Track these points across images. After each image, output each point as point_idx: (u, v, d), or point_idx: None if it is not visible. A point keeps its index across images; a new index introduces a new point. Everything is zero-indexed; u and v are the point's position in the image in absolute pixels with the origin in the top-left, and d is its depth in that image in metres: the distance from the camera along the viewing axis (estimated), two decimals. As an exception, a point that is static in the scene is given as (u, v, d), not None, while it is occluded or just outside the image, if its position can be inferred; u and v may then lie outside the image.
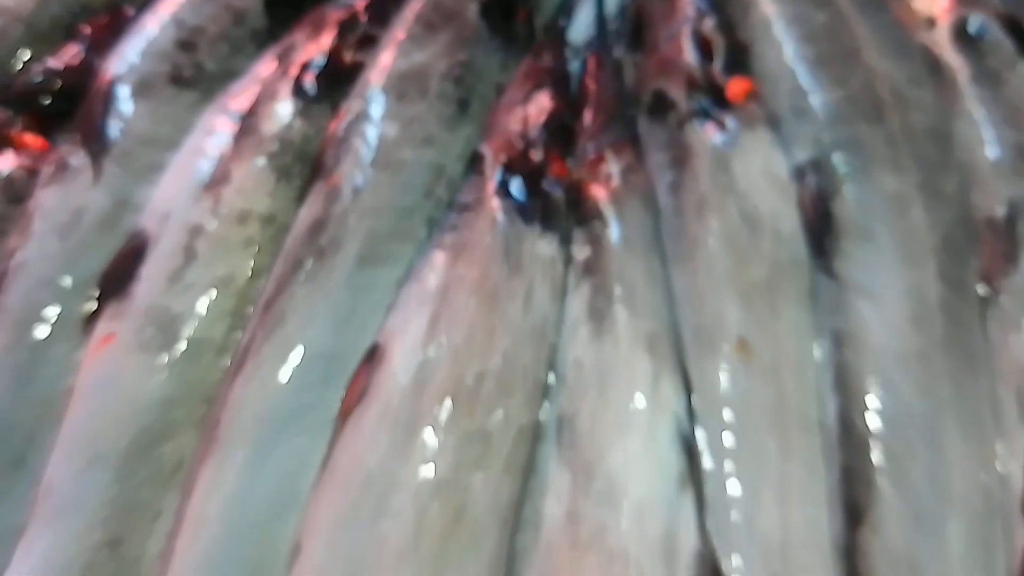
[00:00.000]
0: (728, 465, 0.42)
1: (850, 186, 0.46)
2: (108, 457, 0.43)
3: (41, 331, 0.45)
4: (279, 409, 0.43)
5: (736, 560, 0.41)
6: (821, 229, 0.45)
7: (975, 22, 0.51)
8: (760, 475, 0.42)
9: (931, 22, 0.52)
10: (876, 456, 0.42)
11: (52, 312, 0.45)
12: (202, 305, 0.45)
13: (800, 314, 0.44)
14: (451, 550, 0.41)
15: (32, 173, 0.48)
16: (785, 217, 0.46)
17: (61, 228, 0.47)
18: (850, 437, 0.42)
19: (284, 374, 0.43)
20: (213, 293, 0.45)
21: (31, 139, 0.49)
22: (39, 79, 0.53)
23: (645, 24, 0.53)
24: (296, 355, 0.44)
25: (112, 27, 0.54)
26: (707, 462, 0.42)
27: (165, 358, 0.44)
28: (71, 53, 0.53)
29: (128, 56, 0.51)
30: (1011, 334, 0.45)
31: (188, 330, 0.45)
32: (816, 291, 0.45)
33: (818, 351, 0.44)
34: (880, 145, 0.47)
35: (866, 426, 0.42)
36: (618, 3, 0.57)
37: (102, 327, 0.45)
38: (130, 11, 0.55)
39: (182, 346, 0.44)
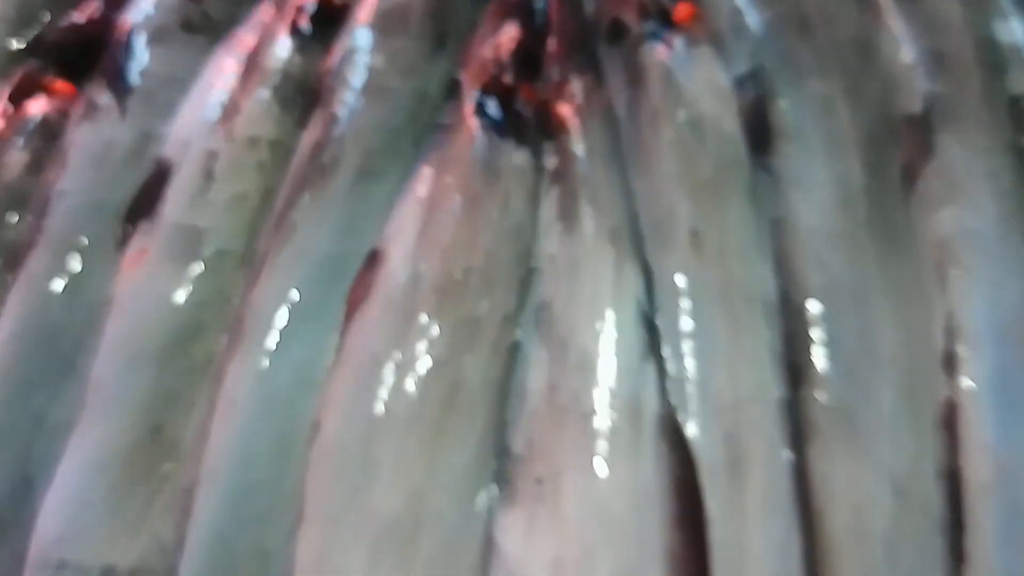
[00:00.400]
0: (684, 337, 0.44)
1: (783, 93, 0.49)
2: (147, 355, 0.45)
3: (82, 249, 0.48)
4: (295, 305, 0.45)
5: (693, 418, 0.43)
6: (758, 132, 0.48)
7: None
8: (712, 344, 0.45)
9: None
10: (812, 324, 0.45)
11: (91, 231, 0.48)
12: (222, 220, 0.48)
13: (742, 206, 0.47)
14: (450, 420, 0.44)
15: (64, 115, 0.50)
16: (727, 123, 0.48)
17: (94, 160, 0.49)
18: (789, 309, 0.45)
19: (297, 275, 0.46)
20: (231, 209, 0.48)
21: (61, 85, 0.51)
22: (64, 32, 0.54)
23: None
24: (306, 259, 0.46)
25: None
26: (665, 335, 0.45)
27: (192, 267, 0.47)
28: (91, 8, 0.54)
29: (143, 8, 0.54)
30: (930, 214, 0.47)
31: (211, 242, 0.47)
32: (756, 186, 0.47)
33: (759, 237, 0.46)
34: (808, 56, 0.50)
35: (802, 299, 0.45)
36: None
37: (135, 243, 0.47)
38: None
39: (206, 256, 0.47)
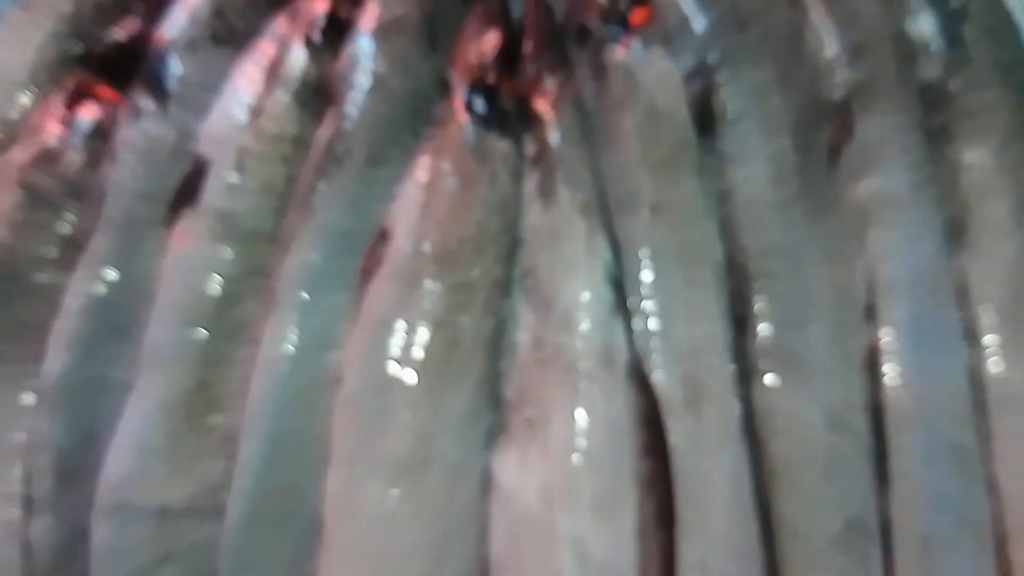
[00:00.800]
0: (647, 295, 0.46)
1: (724, 84, 0.49)
2: (193, 321, 0.46)
3: (135, 232, 0.48)
4: (317, 275, 0.46)
5: (657, 364, 0.44)
6: (704, 117, 0.49)
7: None
8: (671, 301, 0.46)
9: None
10: (753, 281, 0.46)
11: (142, 217, 0.48)
12: (253, 205, 0.49)
13: (693, 181, 0.48)
14: (450, 373, 0.45)
15: (112, 118, 0.50)
16: (678, 111, 0.49)
17: (141, 156, 0.50)
18: (734, 268, 0.46)
19: (318, 250, 0.47)
20: (260, 196, 0.49)
21: (108, 92, 0.51)
22: (109, 46, 0.53)
23: None
24: (325, 236, 0.47)
25: (159, 2, 0.53)
26: (631, 293, 0.46)
27: (229, 246, 0.47)
28: (131, 25, 0.53)
29: (176, 24, 0.53)
30: (852, 184, 0.48)
31: (244, 224, 0.48)
32: (703, 164, 0.48)
33: (708, 207, 0.47)
34: (745, 51, 0.50)
35: (745, 260, 0.46)
36: None
37: (180, 226, 0.48)
38: None
39: (241, 236, 0.48)
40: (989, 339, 0.45)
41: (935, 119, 0.49)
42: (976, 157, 0.48)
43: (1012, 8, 0.52)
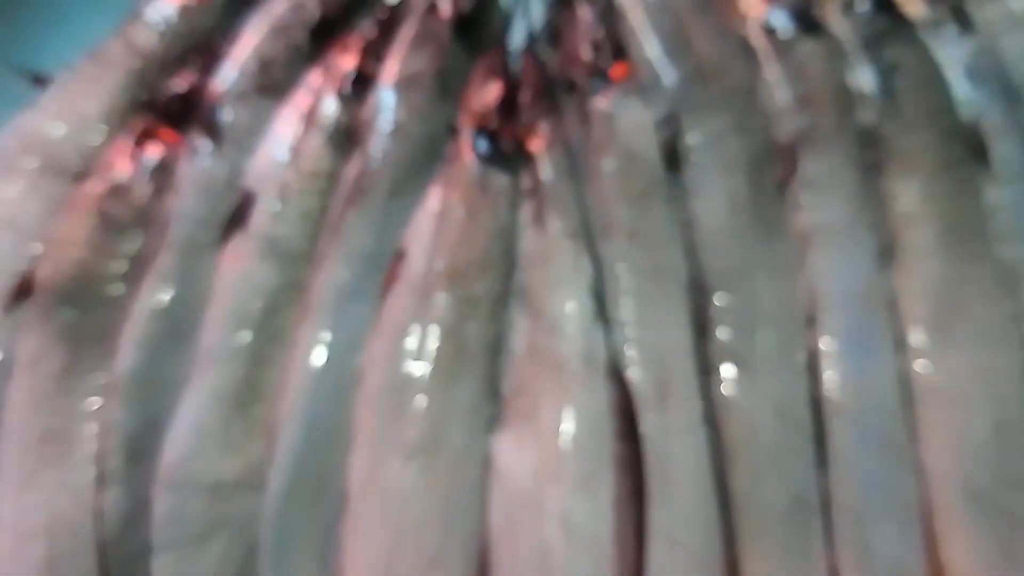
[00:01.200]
0: (623, 306, 0.47)
1: (689, 130, 0.51)
2: (242, 327, 0.48)
3: (193, 252, 0.50)
4: (345, 289, 0.48)
5: (631, 364, 0.46)
6: (672, 158, 0.50)
7: (773, 16, 0.53)
8: (643, 311, 0.47)
9: (747, 13, 0.54)
10: (712, 294, 0.47)
11: (200, 241, 0.50)
12: (293, 231, 0.50)
13: (662, 211, 0.49)
14: (457, 371, 0.47)
15: (174, 156, 0.52)
16: (650, 152, 0.50)
17: (198, 189, 0.51)
18: (697, 284, 0.48)
19: (347, 268, 0.49)
20: (299, 223, 0.50)
21: (170, 134, 0.53)
22: (170, 95, 0.54)
23: (560, 34, 0.56)
24: (353, 256, 0.49)
25: (213, 57, 0.54)
26: (611, 304, 0.47)
27: (273, 264, 0.49)
28: (189, 77, 0.54)
29: (227, 77, 0.54)
30: (797, 214, 0.49)
31: (285, 246, 0.50)
32: (671, 197, 0.50)
33: (675, 234, 0.49)
34: (707, 102, 0.51)
35: (705, 276, 0.48)
36: (542, 21, 0.57)
37: (231, 247, 0.50)
38: (222, 46, 0.55)
39: (282, 256, 0.49)
40: (915, 344, 0.46)
41: (870, 157, 0.50)
42: (905, 190, 0.49)
43: (939, 63, 0.52)
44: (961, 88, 0.51)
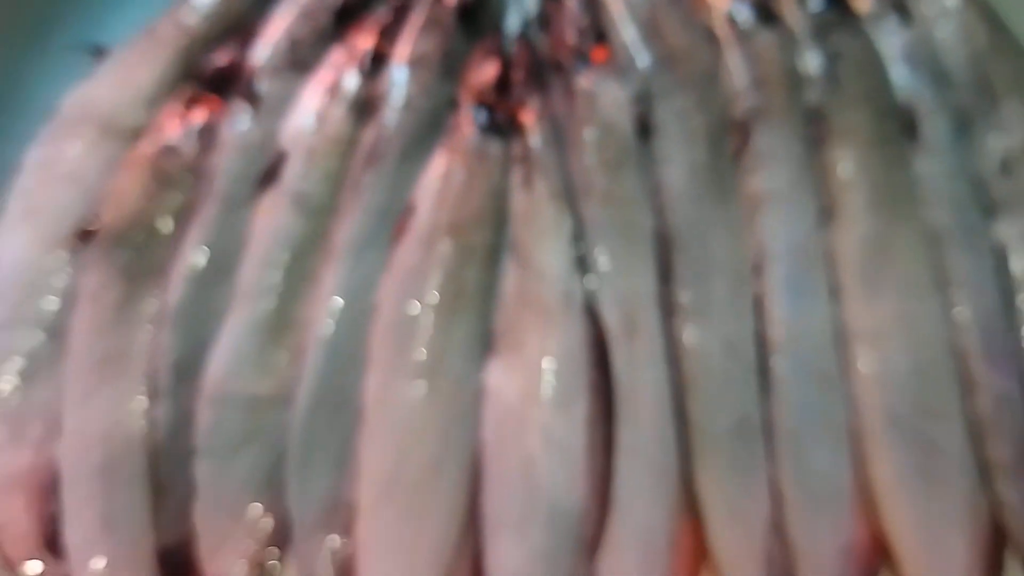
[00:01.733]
0: (599, 255, 0.48)
1: (658, 106, 0.51)
2: (275, 265, 0.49)
3: (233, 203, 0.50)
4: (362, 238, 0.49)
5: (604, 304, 0.47)
6: (643, 130, 0.51)
7: (735, 9, 0.54)
8: (616, 260, 0.48)
9: (713, 6, 0.54)
10: (675, 245, 0.49)
11: (240, 192, 0.51)
12: (318, 187, 0.51)
13: (634, 176, 0.50)
14: (456, 308, 0.48)
15: (217, 119, 0.53)
16: (624, 125, 0.51)
17: (238, 148, 0.52)
18: (661, 239, 0.49)
19: (364, 220, 0.50)
20: (323, 180, 0.51)
21: (214, 102, 0.53)
22: (214, 67, 0.55)
23: (549, 21, 0.56)
24: (370, 210, 0.50)
25: (250, 36, 0.55)
26: (588, 254, 0.48)
27: (301, 215, 0.50)
28: (229, 53, 0.55)
29: (262, 53, 0.54)
30: (747, 178, 0.50)
31: (312, 199, 0.50)
32: (642, 163, 0.50)
33: (644, 194, 0.50)
34: (674, 82, 0.52)
35: (668, 229, 0.49)
36: (534, 9, 0.58)
37: (265, 200, 0.50)
38: (258, 27, 0.55)
39: (310, 208, 0.50)
40: (847, 292, 0.48)
41: (814, 132, 0.51)
42: (843, 160, 0.50)
43: (879, 51, 0.53)
44: (898, 73, 0.52)
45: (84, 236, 0.50)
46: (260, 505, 0.46)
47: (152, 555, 0.46)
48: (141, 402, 0.47)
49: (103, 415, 0.47)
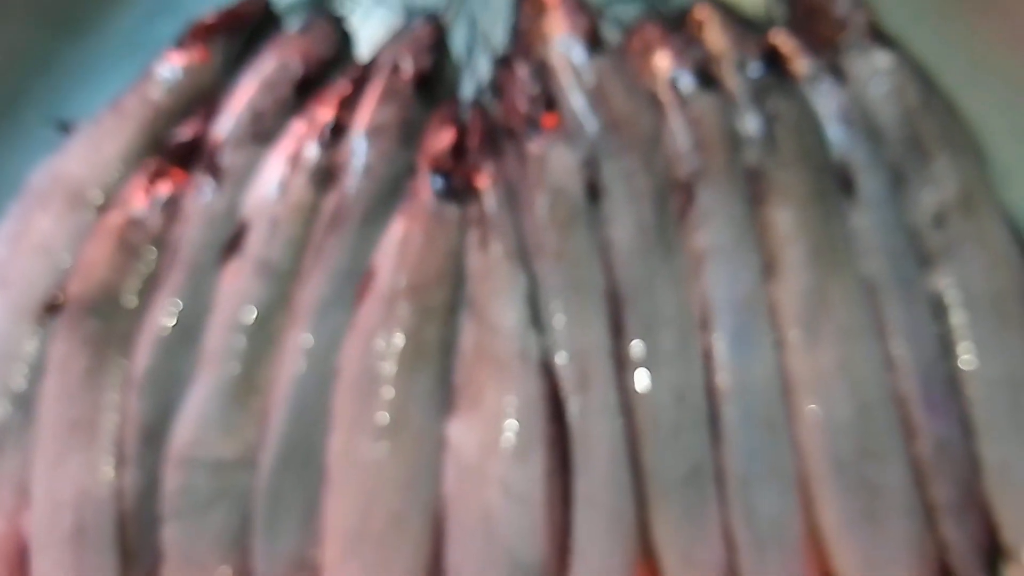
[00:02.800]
0: (552, 313, 0.49)
1: (604, 169, 0.52)
2: (240, 331, 0.49)
3: (199, 271, 0.50)
4: (326, 299, 0.49)
5: (559, 359, 0.48)
6: (592, 192, 0.51)
7: (676, 75, 0.55)
8: (569, 316, 0.49)
9: (656, 73, 0.55)
10: (623, 302, 0.49)
11: (204, 262, 0.50)
12: (282, 253, 0.50)
13: (584, 235, 0.50)
14: (418, 365, 0.48)
15: (182, 191, 0.52)
16: (574, 187, 0.52)
17: (203, 218, 0.52)
18: (612, 294, 0.49)
19: (327, 283, 0.49)
20: (287, 247, 0.51)
21: (178, 174, 0.53)
22: (178, 141, 0.54)
23: (502, 90, 0.57)
24: (332, 273, 0.50)
25: (213, 109, 0.55)
26: (542, 311, 0.49)
27: (265, 280, 0.50)
28: (193, 126, 0.55)
29: (226, 126, 0.54)
30: (692, 236, 0.51)
31: (276, 265, 0.50)
32: (591, 223, 0.51)
33: (593, 252, 0.50)
34: (620, 146, 0.52)
35: (618, 285, 0.49)
36: (487, 79, 0.59)
37: (230, 267, 0.50)
38: (221, 100, 0.56)
39: (273, 273, 0.50)
40: (789, 342, 0.48)
41: (754, 190, 0.52)
42: (782, 217, 0.51)
43: (815, 111, 0.54)
44: (833, 132, 0.53)
45: (52, 307, 0.50)
46: (228, 567, 0.46)
47: (123, 618, 0.46)
48: (109, 468, 0.47)
49: (73, 481, 0.47)
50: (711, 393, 0.48)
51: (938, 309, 0.50)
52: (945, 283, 0.50)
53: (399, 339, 0.48)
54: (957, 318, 0.50)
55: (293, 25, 0.60)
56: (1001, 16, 0.58)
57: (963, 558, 0.47)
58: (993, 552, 0.48)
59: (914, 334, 0.49)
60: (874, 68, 0.55)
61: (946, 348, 0.50)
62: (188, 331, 0.49)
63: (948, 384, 0.49)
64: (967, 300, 0.50)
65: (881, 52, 0.56)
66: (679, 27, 0.58)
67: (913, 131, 0.54)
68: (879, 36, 0.56)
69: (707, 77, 0.55)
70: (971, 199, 0.52)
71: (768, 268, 0.50)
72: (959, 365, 0.49)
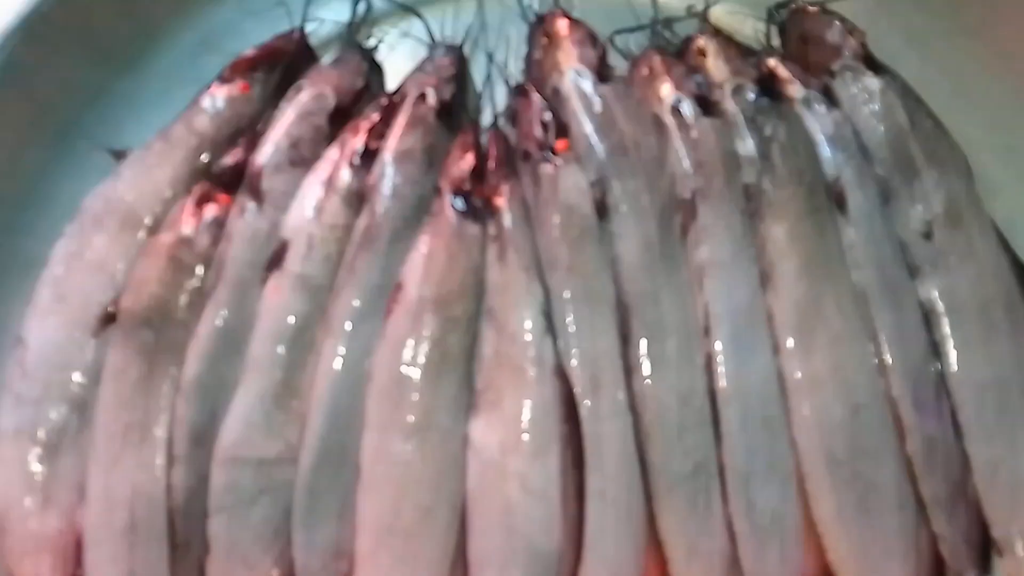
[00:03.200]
0: (566, 322, 0.50)
1: (612, 189, 0.52)
2: (280, 341, 0.49)
3: (244, 287, 0.51)
4: (359, 311, 0.50)
5: (572, 365, 0.49)
6: (601, 210, 0.52)
7: (678, 100, 0.55)
8: (581, 324, 0.49)
9: (660, 99, 0.56)
10: (631, 312, 0.50)
11: (247, 278, 0.51)
12: (318, 270, 0.51)
13: (595, 250, 0.51)
14: (443, 371, 0.49)
15: (226, 213, 0.53)
16: (585, 206, 0.52)
17: (246, 239, 0.52)
18: (621, 304, 0.50)
19: (360, 296, 0.50)
20: (323, 264, 0.51)
21: (224, 197, 0.54)
22: (224, 167, 0.55)
23: (517, 116, 0.56)
24: (364, 288, 0.50)
25: (255, 137, 0.55)
26: (556, 320, 0.50)
27: (303, 295, 0.50)
28: (237, 153, 0.55)
29: (266, 153, 0.54)
30: (694, 250, 0.51)
31: (313, 280, 0.51)
32: (600, 239, 0.51)
33: (604, 266, 0.51)
34: (627, 167, 0.53)
35: (626, 298, 0.50)
36: (505, 106, 0.59)
37: (271, 283, 0.51)
38: (262, 128, 0.56)
39: (310, 288, 0.50)
40: (786, 348, 0.50)
41: (751, 207, 0.52)
42: (777, 232, 0.51)
43: (809, 132, 0.54)
44: (825, 151, 0.54)
45: (107, 319, 0.51)
46: (270, 556, 0.48)
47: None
48: (161, 467, 0.48)
49: (127, 480, 0.48)
50: (713, 395, 0.49)
51: (928, 317, 0.51)
52: (934, 292, 0.51)
53: (425, 347, 0.48)
54: (946, 325, 0.51)
55: (326, 58, 0.61)
56: (987, 41, 0.59)
57: (955, 550, 0.48)
58: (985, 545, 0.49)
59: (904, 340, 0.50)
60: (865, 91, 0.56)
61: (935, 354, 0.51)
62: (233, 341, 0.50)
63: (937, 387, 0.50)
64: (955, 308, 0.51)
65: (872, 76, 0.56)
66: (681, 56, 0.59)
67: (902, 150, 0.54)
68: (871, 61, 0.57)
69: (707, 102, 0.55)
70: (958, 213, 0.53)
71: (765, 279, 0.51)
72: (948, 370, 0.50)
